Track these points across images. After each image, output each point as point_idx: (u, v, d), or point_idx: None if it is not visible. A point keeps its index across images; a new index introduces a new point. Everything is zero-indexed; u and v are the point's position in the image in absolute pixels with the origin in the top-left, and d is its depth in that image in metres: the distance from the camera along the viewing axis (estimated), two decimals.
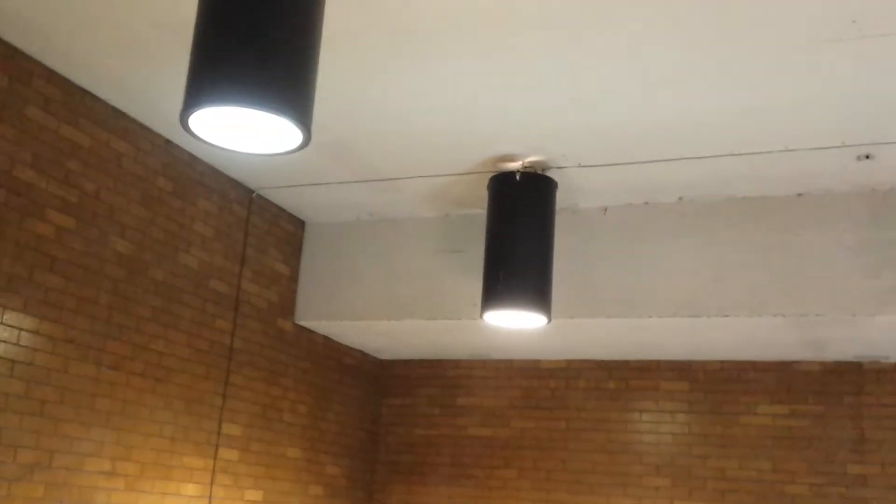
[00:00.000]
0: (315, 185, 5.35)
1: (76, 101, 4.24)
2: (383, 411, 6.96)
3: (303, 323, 5.89)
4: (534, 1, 3.31)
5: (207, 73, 2.53)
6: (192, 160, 4.97)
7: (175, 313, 4.81)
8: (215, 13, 2.59)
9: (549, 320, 4.78)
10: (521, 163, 4.77)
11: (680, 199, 5.13)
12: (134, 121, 4.57)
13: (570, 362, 6.52)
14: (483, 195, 4.98)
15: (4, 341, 3.83)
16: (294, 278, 5.88)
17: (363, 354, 6.76)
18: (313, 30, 2.66)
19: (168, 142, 4.78)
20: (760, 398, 6.00)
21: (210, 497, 5.00)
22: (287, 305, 5.80)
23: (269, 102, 2.49)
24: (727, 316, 4.90)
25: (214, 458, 5.06)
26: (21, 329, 3.91)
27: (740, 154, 4.49)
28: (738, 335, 5.37)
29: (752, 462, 5.92)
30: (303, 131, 2.59)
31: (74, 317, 4.19)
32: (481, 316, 4.82)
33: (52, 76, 4.10)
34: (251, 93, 2.48)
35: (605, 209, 5.31)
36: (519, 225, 4.79)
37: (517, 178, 4.79)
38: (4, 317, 3.84)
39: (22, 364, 3.91)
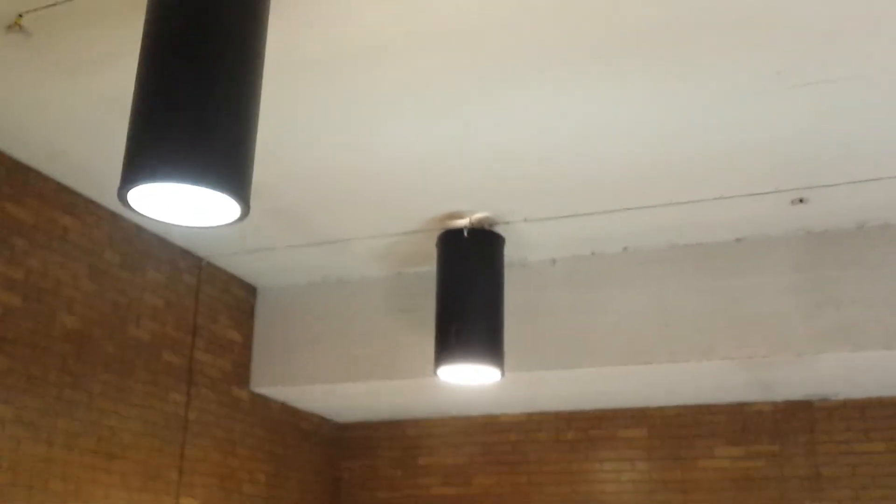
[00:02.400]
0: (264, 250, 5.36)
1: (20, 177, 4.23)
2: (344, 475, 6.88)
3: (258, 390, 5.84)
4: (475, 61, 3.41)
5: (144, 148, 2.53)
6: (139, 231, 4.96)
7: (127, 387, 4.75)
8: (151, 88, 2.60)
9: (504, 374, 4.81)
10: (468, 219, 4.85)
11: (625, 248, 5.24)
12: (79, 195, 4.56)
13: (529, 415, 6.54)
14: (433, 252, 5.04)
15: None
16: (248, 345, 5.85)
17: (321, 418, 6.70)
18: (251, 101, 2.68)
19: (114, 214, 4.77)
20: (717, 441, 6.06)
21: None
22: (242, 373, 5.76)
23: (205, 177, 2.49)
24: (677, 361, 4.99)
25: None
26: None
27: (679, 203, 4.62)
28: (691, 380, 5.45)
29: None
30: (241, 204, 2.60)
31: (24, 396, 4.12)
32: (435, 373, 4.84)
33: None
34: (187, 168, 2.48)
35: (554, 261, 5.40)
36: (469, 281, 4.85)
37: (465, 234, 4.87)
38: None
39: None
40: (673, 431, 6.18)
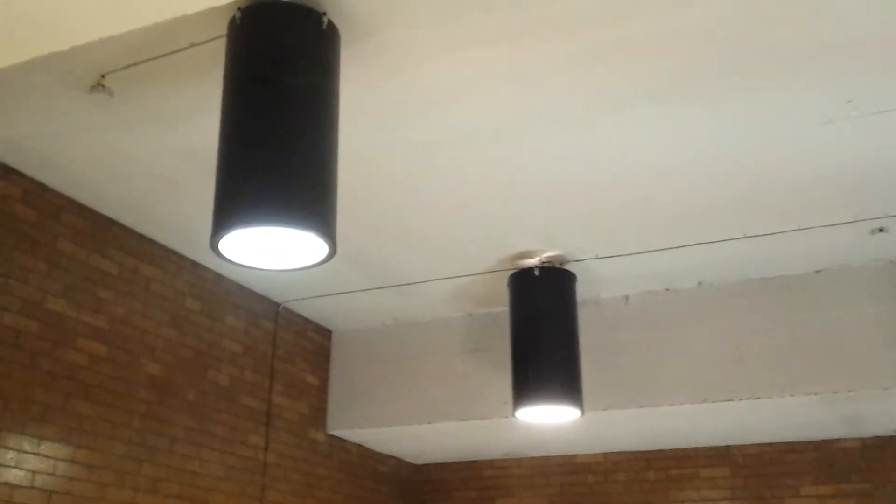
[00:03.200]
0: (339, 294, 5.44)
1: (104, 230, 4.39)
2: None
3: (335, 433, 5.89)
4: (552, 101, 3.42)
5: (232, 197, 2.64)
6: (219, 279, 5.09)
7: (208, 432, 4.85)
8: (236, 140, 2.71)
9: (582, 413, 4.76)
10: (538, 258, 4.84)
11: (700, 283, 5.15)
12: (161, 246, 4.71)
13: (606, 455, 6.43)
14: (504, 292, 5.04)
15: (42, 472, 3.88)
16: (324, 388, 5.91)
17: (398, 460, 6.71)
18: (331, 147, 2.78)
19: (194, 263, 4.91)
20: (803, 479, 5.86)
21: None
22: (318, 416, 5.82)
23: (294, 220, 2.59)
24: (758, 398, 4.86)
25: None
26: (57, 459, 3.96)
27: (755, 236, 4.54)
28: (773, 416, 5.30)
29: None
30: (328, 244, 2.68)
31: (109, 442, 4.23)
32: (513, 414, 4.81)
33: (79, 209, 4.27)
34: (277, 212, 2.59)
35: (627, 298, 5.34)
36: (542, 320, 4.83)
37: (536, 273, 4.86)
38: (41, 447, 3.89)
39: (59, 494, 3.94)
40: (757, 470, 6.01)
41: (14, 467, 3.76)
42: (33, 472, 3.84)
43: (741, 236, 4.55)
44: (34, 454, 3.86)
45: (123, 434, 4.32)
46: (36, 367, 3.93)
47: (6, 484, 3.72)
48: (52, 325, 4.04)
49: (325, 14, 2.79)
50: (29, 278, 3.96)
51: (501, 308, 5.28)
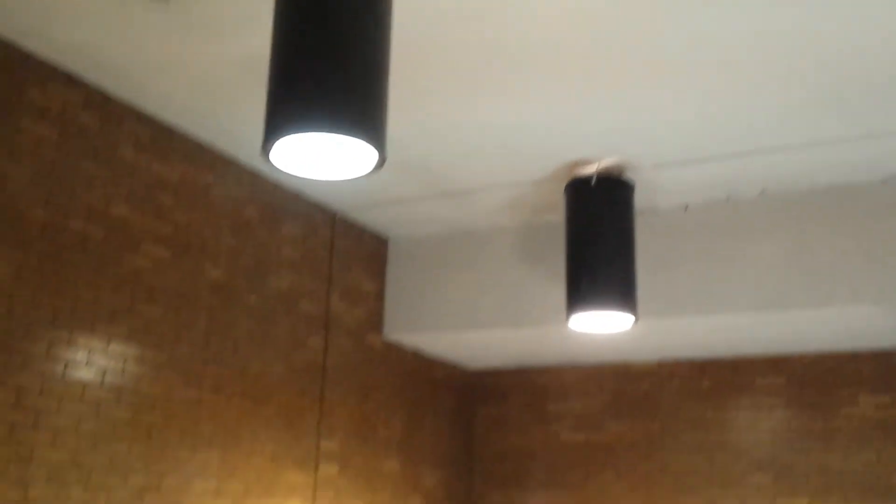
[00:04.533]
0: (395, 202, 5.46)
1: (165, 138, 4.45)
2: (476, 421, 7.01)
3: (391, 338, 6.00)
4: (606, 15, 3.32)
5: (284, 102, 2.64)
6: (277, 188, 5.14)
7: (269, 335, 4.98)
8: (287, 45, 2.70)
9: (636, 320, 4.76)
10: (596, 166, 4.78)
11: (763, 192, 5.04)
12: (220, 154, 4.76)
13: (661, 363, 6.46)
14: (560, 200, 5.01)
15: (112, 371, 4.04)
16: (380, 295, 6.00)
17: (453, 366, 6.84)
18: (383, 54, 2.75)
19: (253, 171, 4.96)
20: (861, 389, 5.82)
21: None
22: (375, 322, 5.92)
23: (344, 125, 2.58)
24: (819, 307, 4.80)
25: (315, 474, 5.20)
26: (126, 358, 4.12)
27: (821, 143, 4.40)
28: (833, 326, 5.25)
29: (855, 455, 5.75)
30: (378, 151, 2.68)
31: (175, 344, 4.38)
32: (567, 321, 4.84)
33: (140, 116, 4.32)
34: (328, 117, 2.58)
35: (686, 207, 5.26)
36: (598, 229, 4.80)
37: (593, 182, 4.80)
38: (110, 347, 4.05)
39: (128, 391, 4.11)
40: (813, 379, 5.98)
41: (85, 365, 3.93)
42: (103, 370, 4.01)
43: (807, 143, 4.41)
44: (104, 354, 4.01)
45: (188, 336, 4.46)
46: (103, 271, 4.06)
47: (78, 381, 3.89)
48: (116, 231, 4.14)
49: None
50: (93, 185, 4.05)
51: (557, 217, 5.25)
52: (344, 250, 5.68)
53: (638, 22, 3.47)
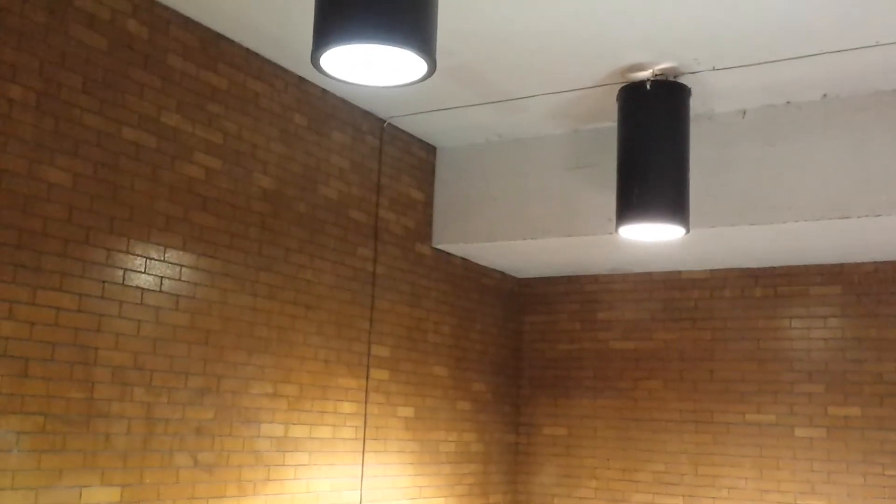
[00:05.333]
0: (443, 110, 5.40)
1: (212, 46, 4.42)
2: (525, 328, 7.07)
3: (440, 246, 6.02)
4: None
5: (333, 13, 2.60)
6: (324, 95, 5.10)
7: (319, 243, 5.03)
8: None
9: (688, 231, 4.70)
10: (651, 71, 4.65)
11: (824, 96, 4.87)
12: (267, 61, 4.72)
13: (713, 272, 6.41)
14: (613, 107, 4.90)
15: (169, 277, 4.13)
16: (429, 203, 6.00)
17: (502, 274, 6.86)
18: None
19: (301, 79, 4.92)
20: None
21: (365, 415, 5.27)
22: (424, 230, 5.94)
23: (394, 37, 2.55)
24: (879, 215, 4.67)
25: (367, 378, 5.32)
26: (182, 265, 4.20)
27: (886, 44, 4.22)
28: (891, 235, 5.12)
29: None
30: (427, 62, 2.64)
31: (228, 251, 4.45)
32: (617, 230, 4.80)
33: (188, 24, 4.29)
34: (376, 29, 2.56)
35: (744, 112, 5.12)
36: (652, 136, 4.70)
37: (648, 87, 4.68)
38: (166, 255, 4.13)
39: (186, 298, 4.21)
40: (870, 288, 5.89)
41: (143, 272, 4.01)
42: (161, 276, 4.09)
43: (872, 43, 4.23)
44: (160, 261, 4.10)
45: (241, 244, 4.52)
46: (156, 179, 4.10)
47: (137, 287, 3.98)
48: (168, 139, 4.17)
49: None
50: (144, 93, 4.06)
51: (609, 123, 5.15)
52: (392, 158, 5.66)
53: None
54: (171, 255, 4.15)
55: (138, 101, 4.03)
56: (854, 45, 4.27)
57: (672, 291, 6.54)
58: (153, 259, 4.06)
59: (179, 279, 4.18)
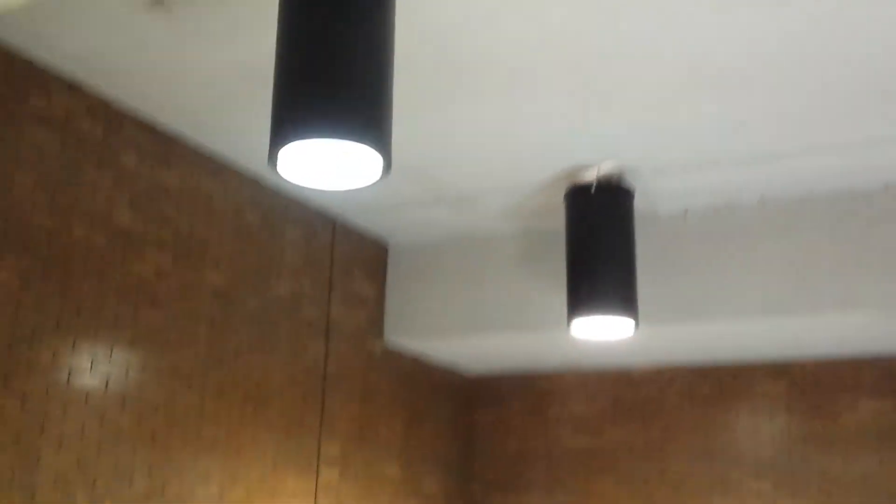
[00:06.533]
0: (395, 207, 5.47)
1: (166, 144, 4.46)
2: (477, 426, 7.02)
3: (391, 344, 6.01)
4: (602, 27, 3.34)
5: (290, 110, 2.65)
6: (278, 193, 5.15)
7: (270, 341, 4.99)
8: (291, 52, 2.71)
9: (637, 326, 4.78)
10: (596, 172, 4.79)
11: (762, 198, 5.07)
12: (222, 159, 4.77)
13: (662, 369, 6.48)
14: (560, 206, 5.02)
15: (115, 377, 4.05)
16: (380, 300, 6.02)
17: (453, 371, 6.85)
18: (387, 60, 2.76)
19: (254, 177, 4.97)
20: (861, 395, 5.84)
21: None
22: (375, 328, 5.94)
23: (350, 132, 2.60)
24: (819, 314, 4.82)
25: (316, 479, 5.21)
26: (129, 364, 4.13)
27: (821, 147, 4.43)
28: (833, 332, 5.27)
29: (856, 461, 5.77)
30: (384, 157, 2.69)
31: (177, 349, 4.39)
32: (568, 327, 4.86)
33: (142, 123, 4.33)
34: (333, 124, 2.60)
35: (686, 212, 5.28)
36: (598, 235, 4.82)
37: (593, 188, 4.82)
38: (113, 354, 4.06)
39: (132, 398, 4.12)
40: (814, 385, 6.00)
41: (89, 372, 3.94)
42: (107, 376, 4.02)
43: (807, 148, 4.43)
44: (107, 360, 4.03)
45: (190, 342, 4.47)
46: (106, 277, 4.07)
47: (83, 388, 3.90)
48: (119, 237, 4.16)
49: None
50: (96, 192, 4.07)
51: (557, 223, 5.26)
52: (344, 256, 5.70)
53: (636, 31, 3.50)
54: (119, 354, 4.09)
55: (90, 200, 4.03)
56: (789, 150, 4.47)
57: (622, 388, 6.59)
58: (100, 358, 3.99)
59: (126, 378, 4.11)
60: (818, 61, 3.69)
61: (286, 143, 2.65)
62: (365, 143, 2.63)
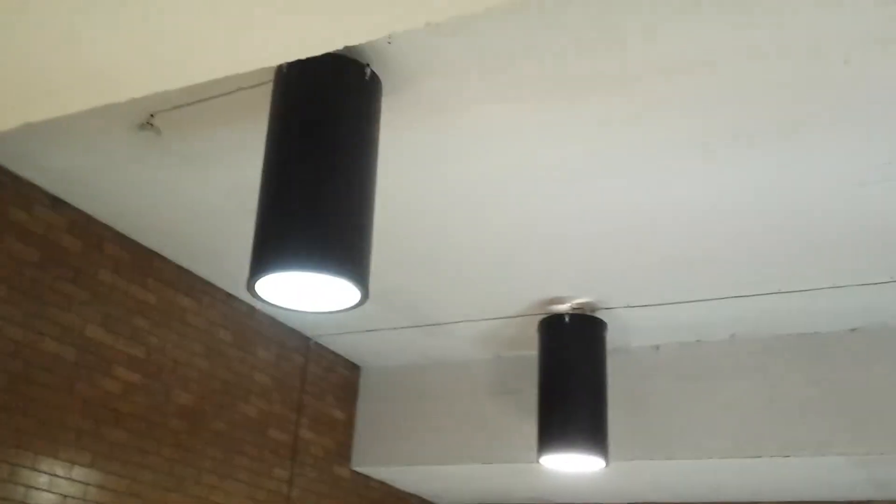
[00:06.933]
0: (369, 331, 5.48)
1: (144, 262, 4.49)
2: None
3: (359, 469, 5.90)
4: (581, 150, 3.46)
5: (271, 241, 2.70)
6: (252, 312, 5.16)
7: (234, 464, 4.89)
8: (277, 185, 2.79)
9: (607, 463, 4.74)
10: (569, 304, 4.85)
11: (732, 336, 5.13)
12: (197, 277, 4.80)
13: None
14: (534, 336, 5.05)
15: (73, 497, 3.94)
16: (350, 424, 5.94)
17: (421, 500, 6.70)
18: (368, 197, 2.84)
19: (229, 295, 4.98)
20: None
21: None
22: (344, 452, 5.84)
23: (329, 266, 2.65)
24: (788, 456, 4.80)
25: None
26: (88, 484, 4.02)
27: (790, 291, 4.52)
28: (802, 474, 5.24)
29: None
30: (361, 291, 2.73)
31: (138, 470, 4.29)
32: (538, 460, 4.80)
33: (122, 240, 4.37)
34: (313, 258, 2.65)
35: (658, 347, 5.32)
36: (571, 367, 4.83)
37: (566, 319, 4.87)
38: (73, 472, 3.96)
39: None
40: None
41: (46, 491, 3.83)
42: (64, 496, 3.91)
43: (775, 291, 4.53)
44: (66, 479, 3.92)
45: (153, 462, 4.38)
46: (71, 392, 4.01)
47: None
48: (89, 353, 4.12)
49: (368, 66, 2.87)
50: (70, 306, 4.06)
51: (531, 352, 5.28)
52: (316, 377, 5.66)
53: (613, 179, 3.62)
54: (78, 472, 3.99)
55: (63, 314, 4.02)
56: (761, 291, 4.56)
57: None
58: (58, 476, 3.89)
59: (84, 499, 3.99)
60: (786, 212, 3.82)
61: (265, 274, 2.68)
62: (342, 278, 2.67)
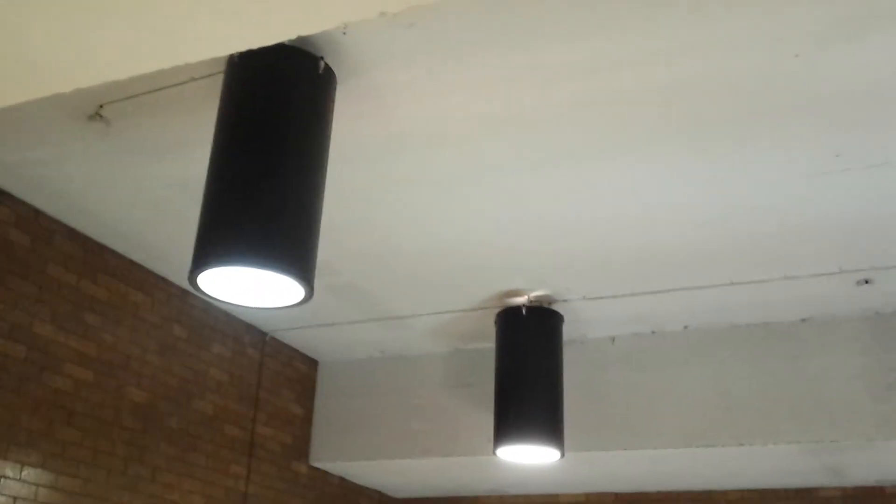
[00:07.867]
0: (326, 325, 5.45)
1: (95, 256, 4.41)
2: None
3: (317, 464, 5.87)
4: (534, 144, 3.47)
5: (213, 234, 2.66)
6: (207, 307, 5.09)
7: (190, 461, 4.83)
8: (222, 177, 2.74)
9: (563, 455, 4.77)
10: (526, 297, 4.87)
11: (686, 327, 5.19)
12: (150, 272, 4.72)
13: (588, 496, 6.43)
14: (491, 329, 5.07)
15: (23, 498, 3.86)
16: (308, 419, 5.91)
17: (380, 494, 6.69)
18: (316, 189, 2.80)
19: (183, 290, 4.92)
20: None
21: None
22: (301, 447, 5.80)
23: (273, 263, 2.60)
24: (742, 445, 4.88)
25: None
26: (39, 485, 3.94)
27: (742, 282, 4.58)
28: (756, 463, 5.32)
29: None
30: (305, 288, 2.69)
31: (91, 470, 4.22)
32: (494, 452, 4.82)
33: (71, 234, 4.28)
34: (255, 254, 2.61)
35: (613, 339, 5.37)
36: (527, 359, 4.85)
37: (523, 312, 4.89)
38: (23, 473, 3.88)
39: None
40: None
41: None
42: (14, 498, 3.82)
43: (728, 283, 4.59)
44: (16, 480, 3.84)
45: (106, 461, 4.31)
46: (22, 391, 3.93)
47: None
48: (39, 350, 4.04)
49: (322, 58, 2.84)
50: (18, 302, 3.97)
51: (488, 344, 5.30)
52: (273, 372, 5.61)
53: (567, 173, 3.63)
54: (28, 473, 3.90)
55: (11, 310, 3.93)
56: (713, 283, 4.61)
57: None
58: (8, 478, 3.81)
59: (35, 500, 3.91)
60: (737, 209, 3.88)
61: (207, 269, 2.64)
62: (285, 274, 2.63)
